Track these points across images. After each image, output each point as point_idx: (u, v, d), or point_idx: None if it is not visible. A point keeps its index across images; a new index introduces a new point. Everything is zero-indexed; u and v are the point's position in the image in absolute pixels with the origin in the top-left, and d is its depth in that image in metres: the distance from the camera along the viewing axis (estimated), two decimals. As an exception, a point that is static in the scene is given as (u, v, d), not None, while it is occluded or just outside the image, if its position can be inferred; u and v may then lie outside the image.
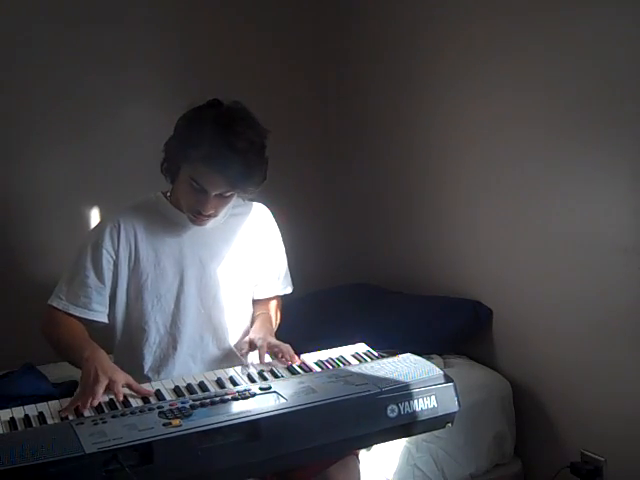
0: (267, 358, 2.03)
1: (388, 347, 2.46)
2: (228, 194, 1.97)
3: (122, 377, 1.82)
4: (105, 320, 2.07)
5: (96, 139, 3.01)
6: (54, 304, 2.03)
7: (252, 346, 2.07)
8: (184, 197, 2.02)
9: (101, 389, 1.75)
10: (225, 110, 1.98)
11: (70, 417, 1.69)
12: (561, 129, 2.42)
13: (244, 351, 2.08)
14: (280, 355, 1.98)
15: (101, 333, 2.08)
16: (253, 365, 2.01)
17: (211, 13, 3.21)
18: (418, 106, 3.04)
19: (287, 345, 2.01)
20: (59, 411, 1.73)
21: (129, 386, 1.82)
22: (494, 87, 2.64)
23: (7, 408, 1.75)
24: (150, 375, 2.07)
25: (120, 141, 3.03)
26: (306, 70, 3.45)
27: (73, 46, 2.96)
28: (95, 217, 3.06)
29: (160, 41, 3.12)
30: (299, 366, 1.96)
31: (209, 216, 2.00)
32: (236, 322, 2.16)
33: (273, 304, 2.27)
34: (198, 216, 2.00)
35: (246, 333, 2.19)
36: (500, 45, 2.60)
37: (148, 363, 2.09)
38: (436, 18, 2.88)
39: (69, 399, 1.78)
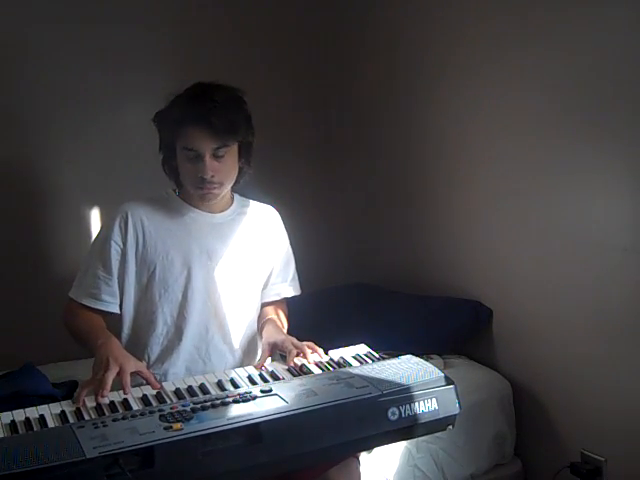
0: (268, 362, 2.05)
1: (388, 347, 2.46)
2: (222, 152, 2.01)
3: (133, 365, 1.88)
4: (116, 310, 2.11)
5: (96, 139, 3.01)
6: (70, 295, 2.11)
7: (274, 349, 2.09)
8: (186, 175, 2.07)
9: (111, 377, 1.80)
10: (201, 82, 2.09)
11: (71, 420, 1.69)
12: (561, 129, 2.42)
13: (264, 358, 2.07)
14: (309, 352, 2.01)
15: (110, 324, 2.10)
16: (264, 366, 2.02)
17: (212, 14, 3.21)
18: (418, 107, 3.03)
19: (310, 343, 2.06)
20: (73, 402, 1.77)
21: (140, 373, 1.88)
22: (494, 88, 2.64)
23: (7, 408, 1.75)
24: (155, 366, 2.10)
25: (120, 141, 3.03)
26: (307, 71, 3.44)
27: (73, 46, 2.95)
28: (95, 217, 3.06)
29: (160, 41, 3.11)
30: (300, 369, 1.96)
31: (212, 182, 2.04)
32: (242, 316, 2.19)
33: (280, 311, 2.29)
34: (203, 187, 2.05)
35: (251, 329, 2.22)
36: (499, 47, 2.59)
37: (155, 353, 2.12)
38: (439, 20, 2.87)
39: (69, 401, 1.79)
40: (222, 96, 2.02)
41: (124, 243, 2.09)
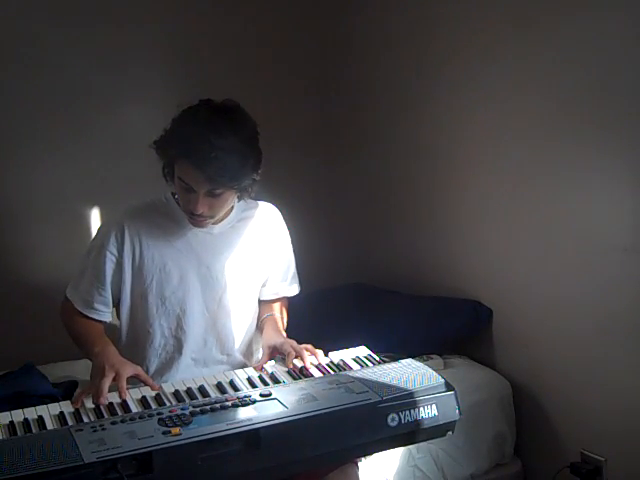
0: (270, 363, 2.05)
1: (388, 347, 2.45)
2: (218, 192, 1.93)
3: (130, 369, 1.87)
4: (108, 319, 2.09)
5: (96, 139, 3.01)
6: (67, 294, 2.09)
7: (274, 352, 2.08)
8: (180, 198, 2.03)
9: (107, 384, 1.80)
10: (209, 106, 1.95)
11: (70, 422, 1.69)
12: (561, 130, 2.41)
13: (264, 361, 2.07)
14: (307, 355, 2.01)
15: (110, 330, 2.10)
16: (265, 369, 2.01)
17: (212, 13, 3.20)
18: (417, 108, 3.02)
19: (309, 345, 2.06)
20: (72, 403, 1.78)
21: (137, 376, 1.88)
22: (494, 89, 2.63)
23: (7, 409, 1.76)
24: (154, 378, 2.06)
25: (120, 141, 3.02)
26: (308, 70, 3.44)
27: (73, 46, 2.95)
28: (95, 218, 3.06)
29: (160, 41, 3.11)
30: (300, 371, 1.97)
31: (202, 216, 1.98)
32: (240, 327, 2.16)
33: (280, 306, 2.27)
34: (193, 217, 1.99)
35: (250, 338, 2.21)
36: (499, 50, 2.58)
37: (153, 366, 2.10)
38: (439, 21, 2.86)
39: (69, 402, 1.79)
40: (227, 142, 1.87)
41: (120, 254, 2.04)
